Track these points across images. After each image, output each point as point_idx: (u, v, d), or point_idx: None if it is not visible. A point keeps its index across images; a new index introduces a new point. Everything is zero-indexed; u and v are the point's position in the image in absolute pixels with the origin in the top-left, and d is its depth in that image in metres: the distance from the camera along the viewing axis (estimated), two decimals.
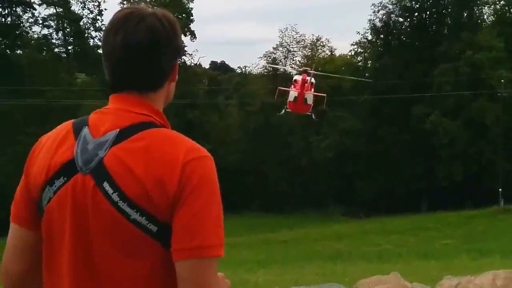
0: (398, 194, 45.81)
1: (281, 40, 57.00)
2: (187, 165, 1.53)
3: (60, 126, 1.70)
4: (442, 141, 43.69)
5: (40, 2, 47.64)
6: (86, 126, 1.62)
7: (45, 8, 48.28)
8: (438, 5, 51.81)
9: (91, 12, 50.49)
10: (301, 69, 27.64)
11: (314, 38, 57.68)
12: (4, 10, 47.73)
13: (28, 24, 48.63)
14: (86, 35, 50.69)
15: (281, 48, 57.12)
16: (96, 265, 1.55)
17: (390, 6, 52.09)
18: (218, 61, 78.89)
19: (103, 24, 50.26)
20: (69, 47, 50.81)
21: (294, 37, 57.04)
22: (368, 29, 53.06)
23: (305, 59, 55.32)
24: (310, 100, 24.90)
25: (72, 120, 1.69)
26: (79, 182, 1.55)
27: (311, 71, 26.05)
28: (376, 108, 48.09)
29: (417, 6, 52.20)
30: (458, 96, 44.02)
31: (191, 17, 50.35)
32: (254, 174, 49.65)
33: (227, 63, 78.45)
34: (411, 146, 46.30)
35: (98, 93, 44.00)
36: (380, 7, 52.04)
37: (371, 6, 52.25)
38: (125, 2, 49.23)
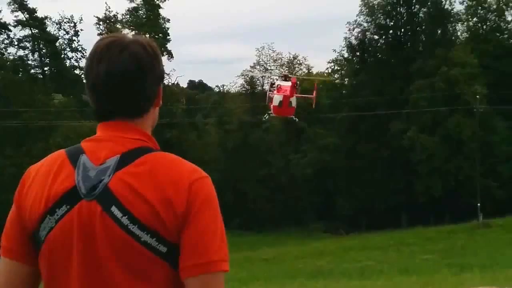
0: (378, 210, 45.95)
1: (258, 58, 57.34)
2: (192, 186, 1.59)
3: (51, 155, 1.69)
4: (420, 156, 44.07)
5: (15, 23, 47.38)
6: (83, 154, 1.63)
7: (21, 29, 48.14)
8: (412, 22, 52.58)
9: (67, 33, 50.39)
10: (281, 75, 27.77)
11: (291, 56, 58.13)
12: None
13: (3, 45, 48.26)
14: (62, 56, 50.47)
15: (258, 67, 57.42)
16: None
17: (365, 24, 52.89)
18: (196, 80, 79.18)
19: (79, 45, 50.16)
20: (46, 68, 50.45)
21: (271, 55, 57.43)
22: (344, 47, 53.78)
23: None
24: (294, 103, 25.22)
25: (64, 150, 1.69)
26: (84, 208, 1.57)
27: (294, 76, 26.41)
28: (354, 124, 48.41)
29: (392, 23, 52.96)
30: (435, 112, 44.54)
31: (168, 37, 50.46)
32: (233, 193, 49.41)
33: (204, 82, 78.79)
34: (389, 162, 46.59)
35: (75, 114, 43.65)
36: (355, 25, 52.84)
37: (346, 24, 53.02)
38: (101, 23, 49.10)
